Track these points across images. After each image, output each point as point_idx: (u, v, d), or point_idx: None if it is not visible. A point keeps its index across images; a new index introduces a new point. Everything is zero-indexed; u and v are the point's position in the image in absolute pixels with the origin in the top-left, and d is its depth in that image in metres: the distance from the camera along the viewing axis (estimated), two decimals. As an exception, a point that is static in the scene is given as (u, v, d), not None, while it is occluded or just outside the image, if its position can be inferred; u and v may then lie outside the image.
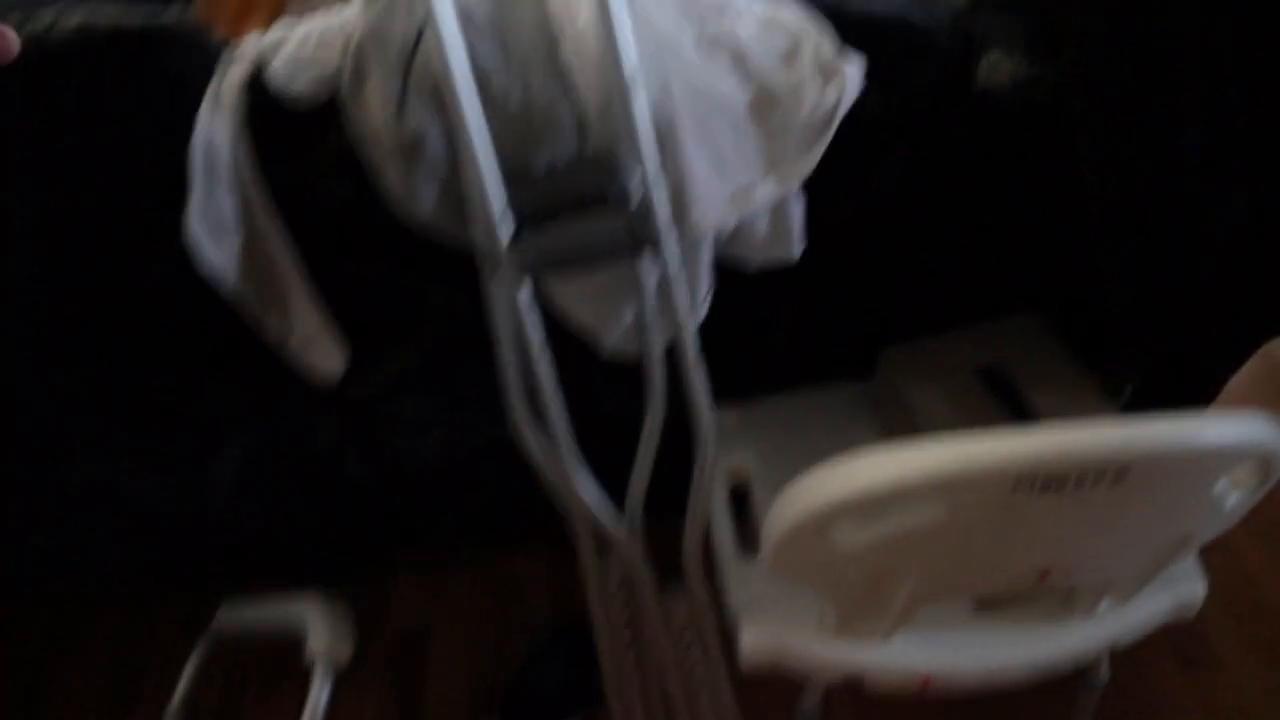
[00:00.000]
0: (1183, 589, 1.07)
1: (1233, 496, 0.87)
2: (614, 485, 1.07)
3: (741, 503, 1.21)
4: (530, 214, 0.86)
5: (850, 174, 0.97)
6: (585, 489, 1.00)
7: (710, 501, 1.07)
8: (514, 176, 0.86)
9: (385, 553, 1.65)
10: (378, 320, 1.10)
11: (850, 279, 1.15)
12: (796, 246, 0.99)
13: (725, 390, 1.27)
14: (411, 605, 1.62)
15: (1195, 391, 1.19)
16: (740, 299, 1.07)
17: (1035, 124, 1.00)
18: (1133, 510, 0.86)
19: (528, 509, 1.22)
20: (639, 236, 0.85)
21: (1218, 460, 0.81)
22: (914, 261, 1.14)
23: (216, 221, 0.92)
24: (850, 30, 0.93)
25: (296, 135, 0.92)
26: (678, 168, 0.90)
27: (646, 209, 0.86)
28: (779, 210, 0.95)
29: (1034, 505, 0.80)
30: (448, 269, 1.00)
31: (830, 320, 1.20)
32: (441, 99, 0.86)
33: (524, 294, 0.88)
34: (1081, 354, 1.24)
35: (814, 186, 0.95)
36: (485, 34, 0.87)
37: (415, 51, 0.88)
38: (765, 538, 0.87)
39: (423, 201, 0.90)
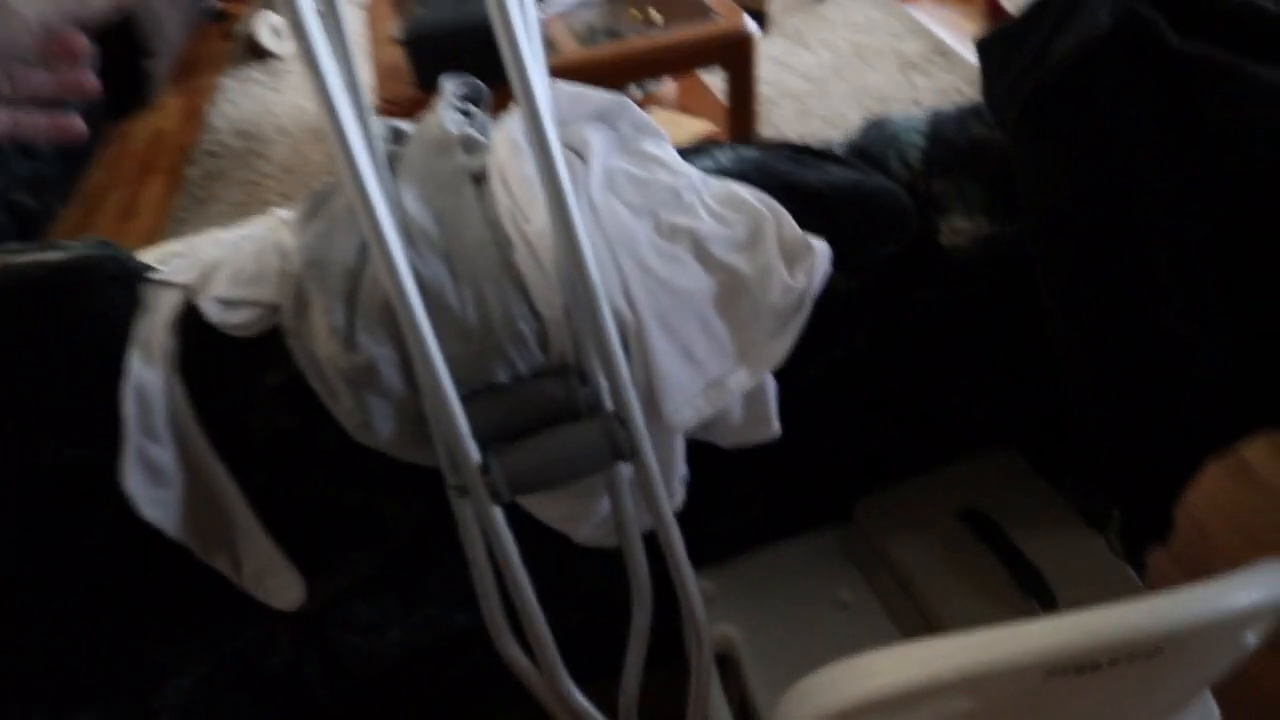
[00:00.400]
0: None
1: (1252, 638, 0.84)
2: (593, 655, 1.02)
3: (723, 666, 1.16)
4: (497, 433, 0.80)
5: (817, 346, 0.93)
6: (576, 701, 0.93)
7: (708, 703, 1.00)
8: (476, 394, 0.81)
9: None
10: (328, 536, 1.02)
11: (822, 439, 1.12)
12: (774, 425, 0.95)
13: (700, 557, 1.23)
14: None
15: (1167, 507, 1.18)
16: (714, 472, 1.03)
17: (997, 276, 0.99)
18: (1165, 676, 0.84)
19: (499, 690, 1.16)
20: (617, 448, 0.80)
21: (1245, 620, 0.79)
22: (885, 414, 1.11)
23: (154, 469, 0.85)
24: (809, 203, 0.90)
25: (235, 371, 0.85)
26: (646, 367, 0.85)
27: (622, 419, 0.81)
28: (754, 395, 0.92)
29: (1067, 686, 0.77)
30: (399, 483, 0.94)
31: (806, 480, 1.17)
32: (393, 324, 0.80)
33: (497, 518, 0.82)
34: (1059, 486, 1.23)
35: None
36: (431, 248, 0.82)
37: (360, 276, 0.83)
38: None
39: (379, 429, 0.84)
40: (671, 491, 0.98)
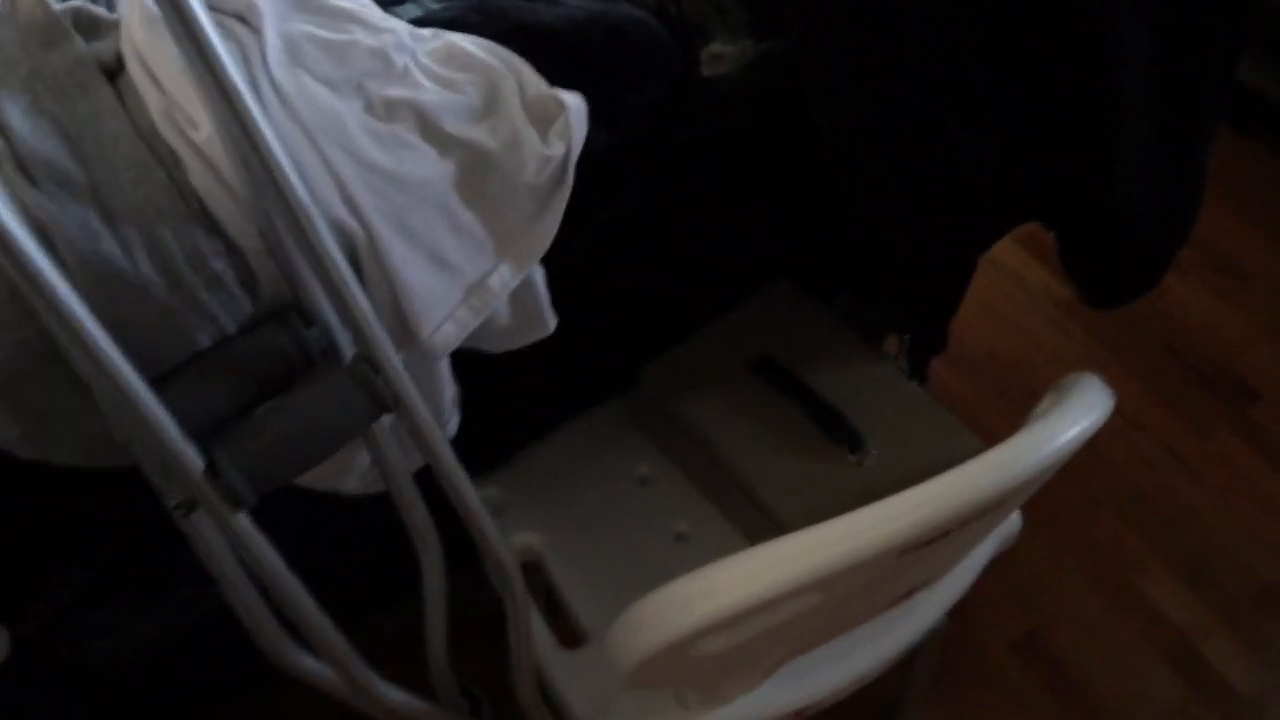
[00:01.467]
0: (1005, 525, 1.05)
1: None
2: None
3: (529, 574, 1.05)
4: (215, 417, 0.61)
5: (579, 218, 0.79)
6: (389, 695, 0.79)
7: (531, 643, 0.89)
8: (174, 373, 0.61)
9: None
10: (25, 563, 0.81)
11: (597, 306, 0.99)
12: (550, 319, 0.82)
13: (480, 465, 1.09)
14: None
15: (947, 317, 1.16)
16: (479, 370, 0.88)
17: (762, 101, 0.87)
18: (1001, 516, 0.80)
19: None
20: (376, 400, 0.64)
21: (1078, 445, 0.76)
22: (658, 272, 1.00)
23: None
24: (550, 49, 0.73)
25: None
26: (389, 285, 0.68)
27: (372, 363, 0.64)
28: (521, 290, 0.76)
29: (916, 556, 0.71)
30: (98, 476, 0.74)
31: (582, 358, 1.04)
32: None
33: (244, 524, 0.64)
34: (831, 306, 1.17)
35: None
36: (64, 184, 0.60)
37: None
38: (616, 663, 0.73)
39: (26, 444, 0.63)
40: (444, 420, 0.83)
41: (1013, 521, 1.04)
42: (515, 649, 0.87)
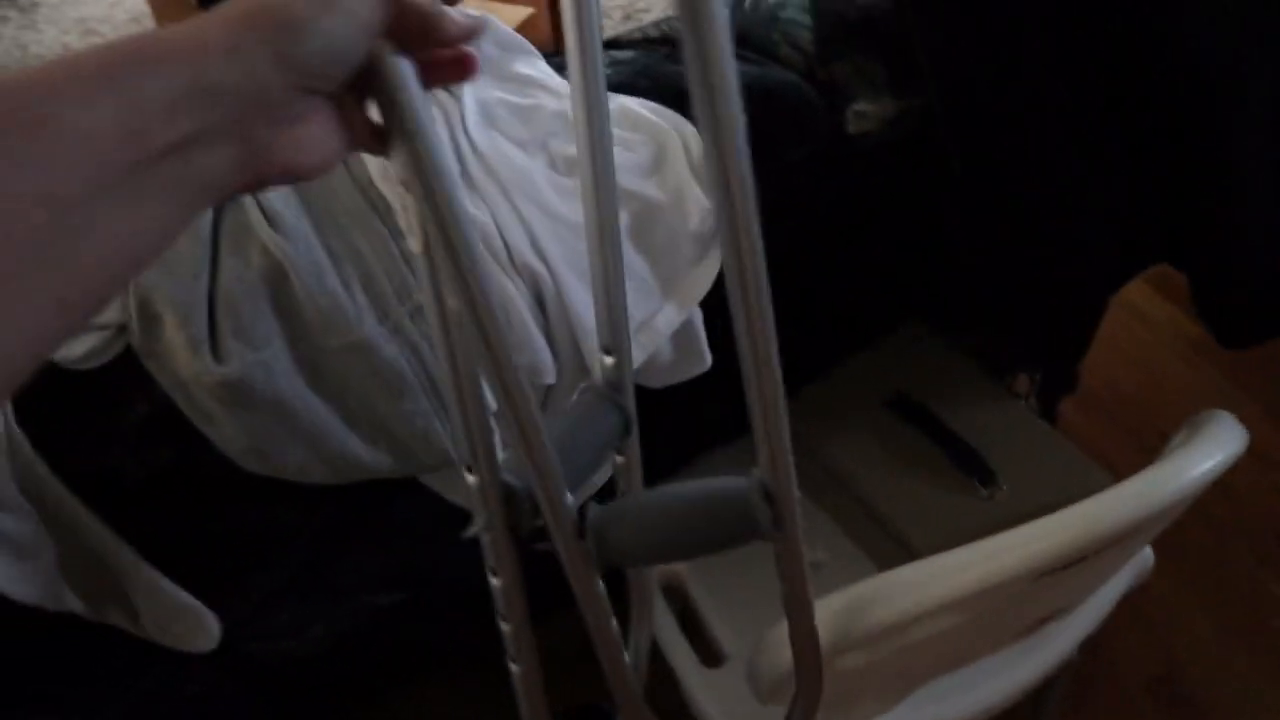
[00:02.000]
0: (1137, 560, 1.07)
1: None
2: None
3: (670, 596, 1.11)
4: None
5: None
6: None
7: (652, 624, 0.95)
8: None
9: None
10: (230, 562, 0.91)
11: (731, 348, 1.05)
12: (707, 356, 0.88)
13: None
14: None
15: (1077, 359, 1.19)
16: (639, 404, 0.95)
17: (903, 155, 0.92)
18: (1133, 548, 0.83)
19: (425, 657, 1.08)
20: (764, 523, 0.58)
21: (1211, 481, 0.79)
22: (802, 314, 1.05)
23: (9, 544, 0.71)
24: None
25: (90, 410, 0.72)
26: (569, 325, 0.76)
27: (769, 490, 0.59)
28: (682, 329, 0.84)
29: (1051, 580, 0.75)
30: (298, 492, 0.82)
31: (726, 394, 1.10)
32: (270, 316, 0.68)
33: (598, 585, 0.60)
34: (963, 348, 1.21)
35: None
36: (292, 229, 0.69)
37: (218, 268, 0.70)
38: (757, 681, 0.78)
39: (277, 454, 0.72)
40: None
41: (1145, 556, 1.06)
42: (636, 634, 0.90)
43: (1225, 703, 1.38)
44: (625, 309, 0.61)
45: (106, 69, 0.32)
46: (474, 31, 0.42)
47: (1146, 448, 1.47)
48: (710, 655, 1.07)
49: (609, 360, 0.63)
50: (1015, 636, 0.92)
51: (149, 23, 2.52)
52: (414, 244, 0.46)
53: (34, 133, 0.30)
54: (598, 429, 0.62)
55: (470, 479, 0.56)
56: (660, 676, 0.98)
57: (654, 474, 1.19)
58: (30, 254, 0.30)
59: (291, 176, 0.38)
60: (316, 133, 0.38)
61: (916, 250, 1.05)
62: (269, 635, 1.09)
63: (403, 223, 0.51)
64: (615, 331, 0.62)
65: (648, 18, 1.75)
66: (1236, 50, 0.95)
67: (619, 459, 0.70)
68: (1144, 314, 1.83)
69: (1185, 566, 1.51)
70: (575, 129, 0.52)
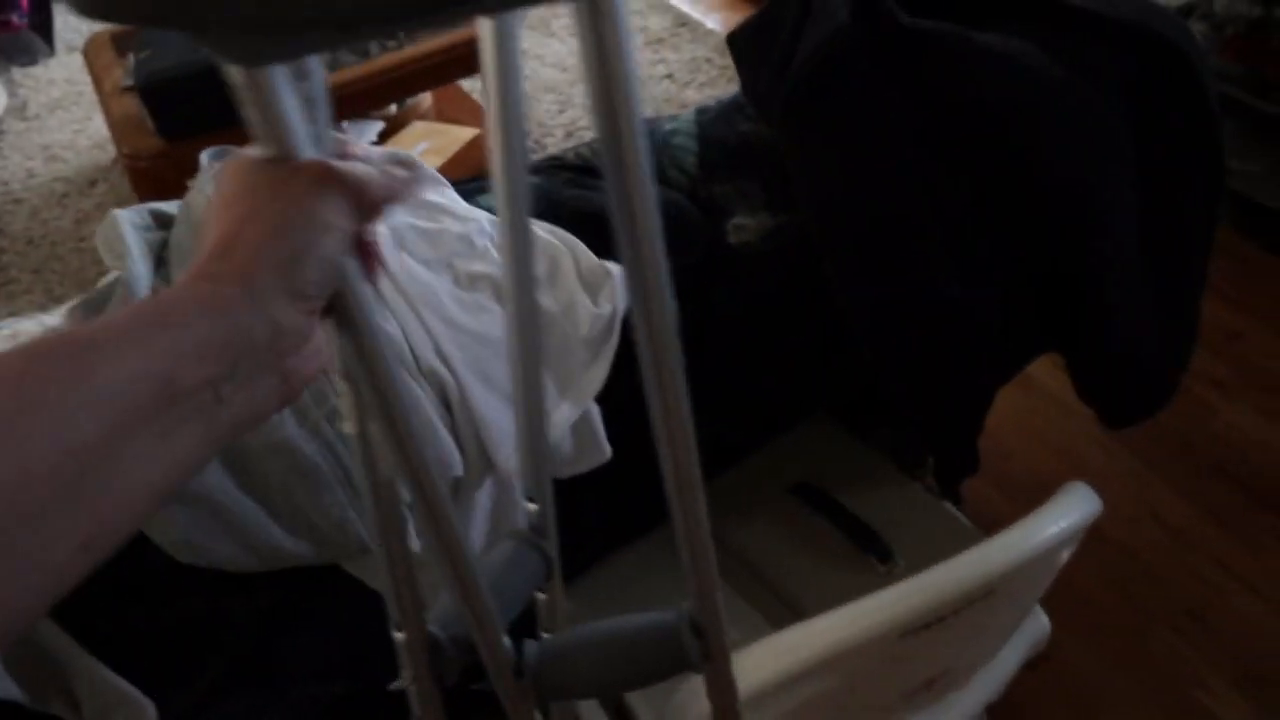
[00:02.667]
0: (1032, 629, 1.14)
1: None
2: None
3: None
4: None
5: (629, 362, 0.95)
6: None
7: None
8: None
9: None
10: (172, 650, 0.97)
11: (648, 446, 1.14)
12: (605, 448, 0.97)
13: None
14: None
15: (972, 444, 1.28)
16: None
17: (787, 263, 1.03)
18: (1002, 608, 0.91)
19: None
20: (691, 660, 0.63)
21: (1063, 544, 0.87)
22: (702, 410, 1.14)
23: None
24: (600, 228, 0.91)
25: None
26: (473, 423, 0.85)
27: (697, 625, 0.65)
28: (580, 424, 0.92)
29: (918, 642, 0.82)
30: (241, 580, 0.89)
31: (636, 487, 1.18)
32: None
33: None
34: (869, 440, 1.30)
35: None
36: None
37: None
38: None
39: (207, 546, 0.80)
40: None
41: (1040, 624, 1.14)
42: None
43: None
44: (548, 459, 0.67)
45: (135, 326, 0.34)
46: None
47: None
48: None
49: (533, 507, 0.68)
50: (904, 698, 0.98)
51: (111, 149, 2.64)
52: (348, 426, 0.51)
53: (66, 390, 0.31)
54: (523, 571, 0.66)
55: (398, 636, 0.59)
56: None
57: (582, 563, 1.26)
58: (55, 499, 0.30)
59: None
60: (319, 340, 0.41)
61: (810, 350, 1.15)
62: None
63: (342, 407, 0.55)
64: (539, 481, 0.68)
65: (589, 134, 1.88)
66: (1093, 167, 1.06)
67: (542, 597, 0.75)
68: (1058, 399, 1.93)
69: (1106, 642, 1.57)
70: (502, 253, 0.60)
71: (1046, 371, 1.83)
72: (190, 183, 0.90)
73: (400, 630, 0.59)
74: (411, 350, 0.81)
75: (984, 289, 1.03)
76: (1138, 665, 1.56)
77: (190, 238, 0.85)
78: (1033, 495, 1.75)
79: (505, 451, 0.87)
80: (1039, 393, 1.94)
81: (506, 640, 0.58)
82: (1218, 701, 1.51)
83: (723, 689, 0.68)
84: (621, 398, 0.99)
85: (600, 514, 1.22)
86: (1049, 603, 1.11)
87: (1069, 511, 0.86)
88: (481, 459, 0.87)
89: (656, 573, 1.24)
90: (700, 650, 0.63)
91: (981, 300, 1.05)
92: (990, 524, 1.27)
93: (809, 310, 1.10)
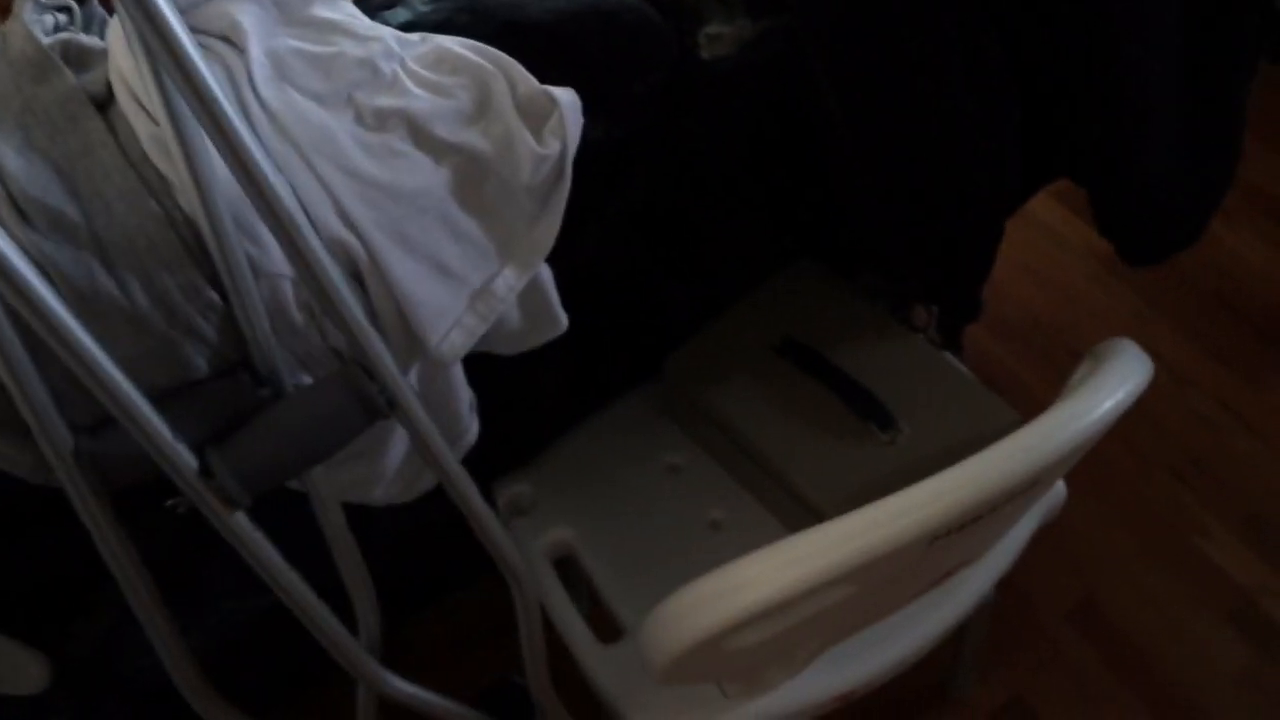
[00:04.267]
0: (1048, 498, 1.02)
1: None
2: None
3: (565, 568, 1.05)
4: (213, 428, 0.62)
5: (585, 214, 0.78)
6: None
7: (541, 641, 0.89)
8: (171, 395, 0.62)
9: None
10: (75, 579, 0.83)
11: (613, 300, 0.98)
12: (561, 318, 0.81)
13: (508, 463, 1.09)
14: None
15: (979, 285, 1.13)
16: (498, 370, 0.88)
17: (767, 81, 0.85)
18: (1039, 493, 0.78)
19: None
20: (369, 405, 0.64)
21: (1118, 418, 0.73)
22: (673, 261, 0.98)
23: None
24: (541, 45, 0.72)
25: None
26: (394, 298, 0.68)
27: (367, 368, 0.64)
28: (529, 292, 0.76)
29: (947, 543, 0.69)
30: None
31: (605, 349, 1.03)
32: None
33: (239, 521, 0.66)
34: (855, 281, 1.15)
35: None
36: (57, 224, 0.60)
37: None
38: (649, 661, 0.72)
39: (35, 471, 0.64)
40: (463, 429, 0.82)
41: (1057, 492, 1.02)
42: (527, 647, 0.88)
43: (1145, 627, 1.36)
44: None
45: None
46: None
47: (1061, 371, 1.43)
48: (613, 630, 1.01)
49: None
50: (920, 593, 0.87)
51: None
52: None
53: None
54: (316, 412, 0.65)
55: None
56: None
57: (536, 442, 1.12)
58: None
59: None
60: None
61: (795, 185, 0.98)
62: (132, 653, 1.01)
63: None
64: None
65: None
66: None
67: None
68: (1055, 233, 1.79)
69: (1103, 495, 1.48)
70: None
71: (1041, 203, 1.67)
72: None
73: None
74: (306, 212, 0.63)
75: (1001, 99, 0.87)
76: (1135, 514, 1.47)
77: (9, 82, 0.66)
78: (1029, 338, 1.65)
79: (438, 330, 0.70)
80: (1032, 224, 1.79)
81: (183, 449, 0.61)
82: (1218, 548, 1.43)
83: (421, 439, 0.70)
84: (578, 255, 0.82)
85: (557, 384, 1.07)
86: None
87: (1123, 381, 0.72)
88: (407, 340, 0.70)
89: (620, 445, 1.11)
90: (383, 395, 0.65)
91: (996, 112, 0.88)
92: (985, 371, 1.14)
93: (792, 136, 0.93)
